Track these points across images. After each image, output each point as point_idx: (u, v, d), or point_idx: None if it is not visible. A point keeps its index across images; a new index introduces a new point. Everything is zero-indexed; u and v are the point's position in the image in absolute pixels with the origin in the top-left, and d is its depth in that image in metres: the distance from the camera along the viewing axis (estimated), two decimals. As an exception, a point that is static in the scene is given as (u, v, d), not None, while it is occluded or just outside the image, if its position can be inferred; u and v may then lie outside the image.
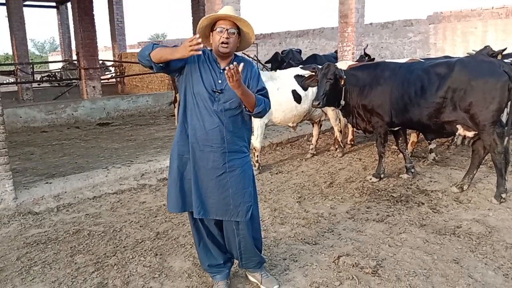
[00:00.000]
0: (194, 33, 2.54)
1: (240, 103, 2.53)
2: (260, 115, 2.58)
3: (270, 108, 2.65)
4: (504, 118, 4.40)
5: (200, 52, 2.30)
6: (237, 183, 2.60)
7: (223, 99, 2.52)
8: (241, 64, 2.35)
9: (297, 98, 5.69)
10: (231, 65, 2.25)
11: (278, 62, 10.26)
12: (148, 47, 2.42)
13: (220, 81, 2.52)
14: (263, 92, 2.61)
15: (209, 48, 2.63)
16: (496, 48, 6.86)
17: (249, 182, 2.67)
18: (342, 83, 4.94)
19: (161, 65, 2.41)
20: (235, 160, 2.59)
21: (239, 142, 2.61)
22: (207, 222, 2.76)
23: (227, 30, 2.44)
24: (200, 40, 2.22)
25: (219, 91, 2.51)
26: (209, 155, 2.55)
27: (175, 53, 2.31)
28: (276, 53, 10.92)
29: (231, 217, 2.63)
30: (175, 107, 8.57)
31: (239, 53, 2.76)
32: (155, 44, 2.45)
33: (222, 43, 2.45)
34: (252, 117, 2.67)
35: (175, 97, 8.29)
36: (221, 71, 2.54)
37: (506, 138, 4.24)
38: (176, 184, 2.64)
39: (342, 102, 5.09)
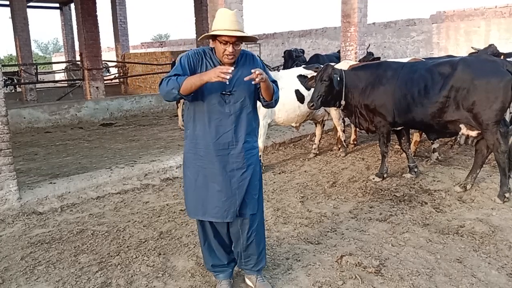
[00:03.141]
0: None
1: (249, 101, 2.57)
2: (275, 103, 2.67)
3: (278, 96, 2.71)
4: (507, 117, 4.39)
5: (227, 81, 2.31)
6: (250, 179, 2.63)
7: (233, 100, 2.52)
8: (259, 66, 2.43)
9: (300, 98, 5.69)
10: (256, 72, 2.31)
11: (293, 59, 10.28)
12: (172, 84, 2.37)
13: (227, 83, 2.44)
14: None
15: (209, 47, 2.58)
16: (499, 47, 6.83)
17: (257, 176, 2.71)
18: (337, 84, 4.89)
19: (192, 94, 2.41)
20: (252, 158, 2.63)
21: (252, 139, 2.65)
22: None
23: (232, 44, 2.39)
24: (231, 75, 2.28)
25: (229, 93, 2.51)
26: (227, 158, 2.56)
27: (204, 77, 2.33)
28: (289, 51, 10.88)
29: (244, 213, 2.64)
30: (178, 107, 8.59)
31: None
32: (173, 77, 2.40)
33: (228, 55, 2.42)
34: None
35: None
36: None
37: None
38: (197, 192, 2.64)
39: (343, 102, 5.08)
